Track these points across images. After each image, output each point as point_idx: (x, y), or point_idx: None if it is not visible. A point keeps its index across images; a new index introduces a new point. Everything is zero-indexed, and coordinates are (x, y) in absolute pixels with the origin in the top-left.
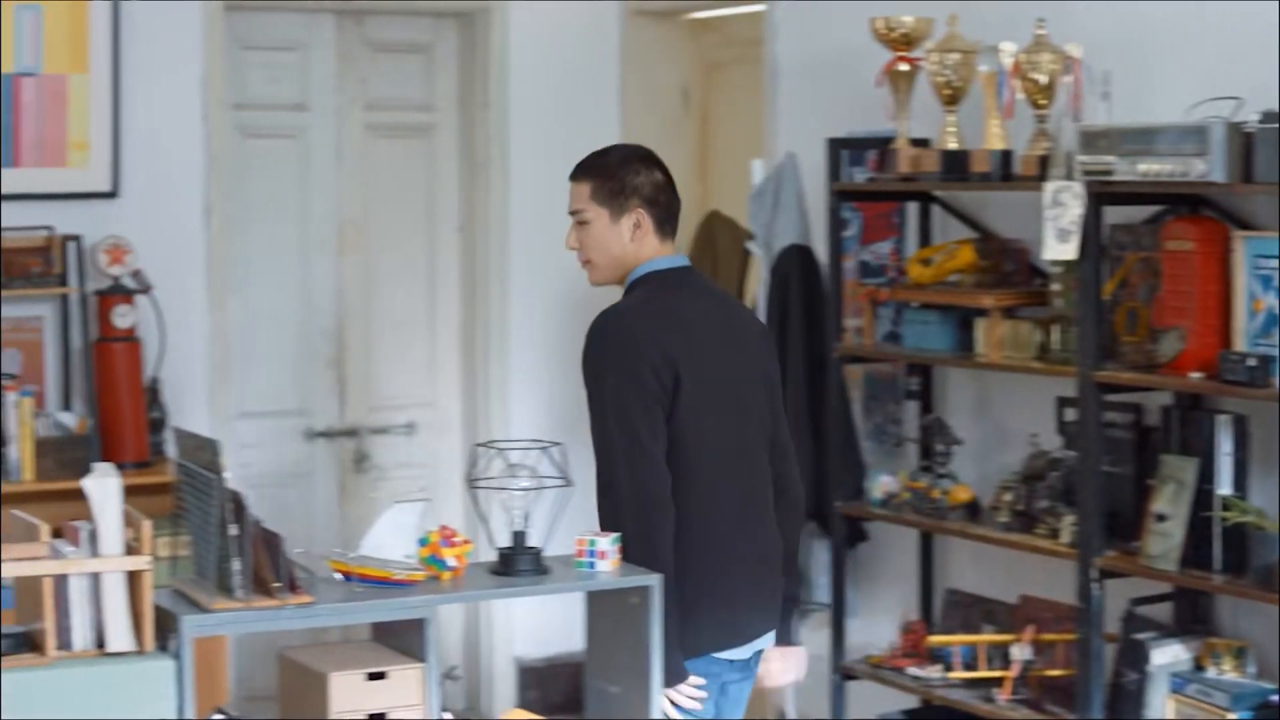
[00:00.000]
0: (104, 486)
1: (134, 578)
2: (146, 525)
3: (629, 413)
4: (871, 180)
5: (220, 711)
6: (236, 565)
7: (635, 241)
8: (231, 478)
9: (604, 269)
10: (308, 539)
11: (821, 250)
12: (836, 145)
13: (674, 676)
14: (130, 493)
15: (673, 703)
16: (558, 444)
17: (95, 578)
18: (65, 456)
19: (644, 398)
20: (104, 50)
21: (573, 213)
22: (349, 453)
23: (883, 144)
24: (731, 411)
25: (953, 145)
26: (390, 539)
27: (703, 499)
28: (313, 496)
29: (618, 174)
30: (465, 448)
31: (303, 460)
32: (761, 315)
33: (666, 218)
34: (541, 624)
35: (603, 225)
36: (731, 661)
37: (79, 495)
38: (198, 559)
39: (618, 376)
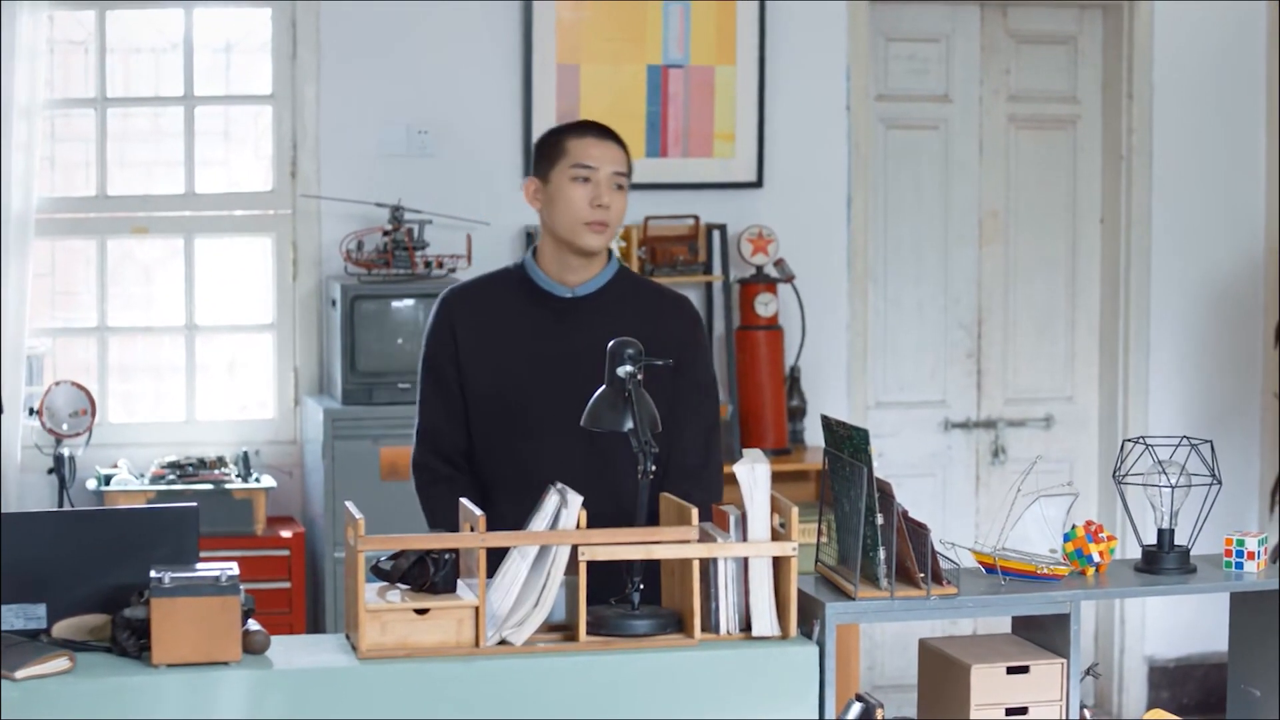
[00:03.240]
0: (754, 472)
1: (779, 563)
2: (794, 511)
3: None
4: None
5: (860, 699)
6: (882, 554)
7: None
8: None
9: (611, 237)
10: (942, 529)
11: None
12: None
13: None
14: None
15: None
16: (1207, 441)
17: (742, 562)
18: None
19: None
20: (750, 42)
21: (619, 175)
22: (985, 444)
23: None
24: None
25: None
26: (1035, 532)
27: None
28: (948, 487)
29: None
30: (1102, 443)
31: (939, 451)
32: None
33: None
34: (1175, 623)
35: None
36: None
37: None
38: (841, 547)
39: None
